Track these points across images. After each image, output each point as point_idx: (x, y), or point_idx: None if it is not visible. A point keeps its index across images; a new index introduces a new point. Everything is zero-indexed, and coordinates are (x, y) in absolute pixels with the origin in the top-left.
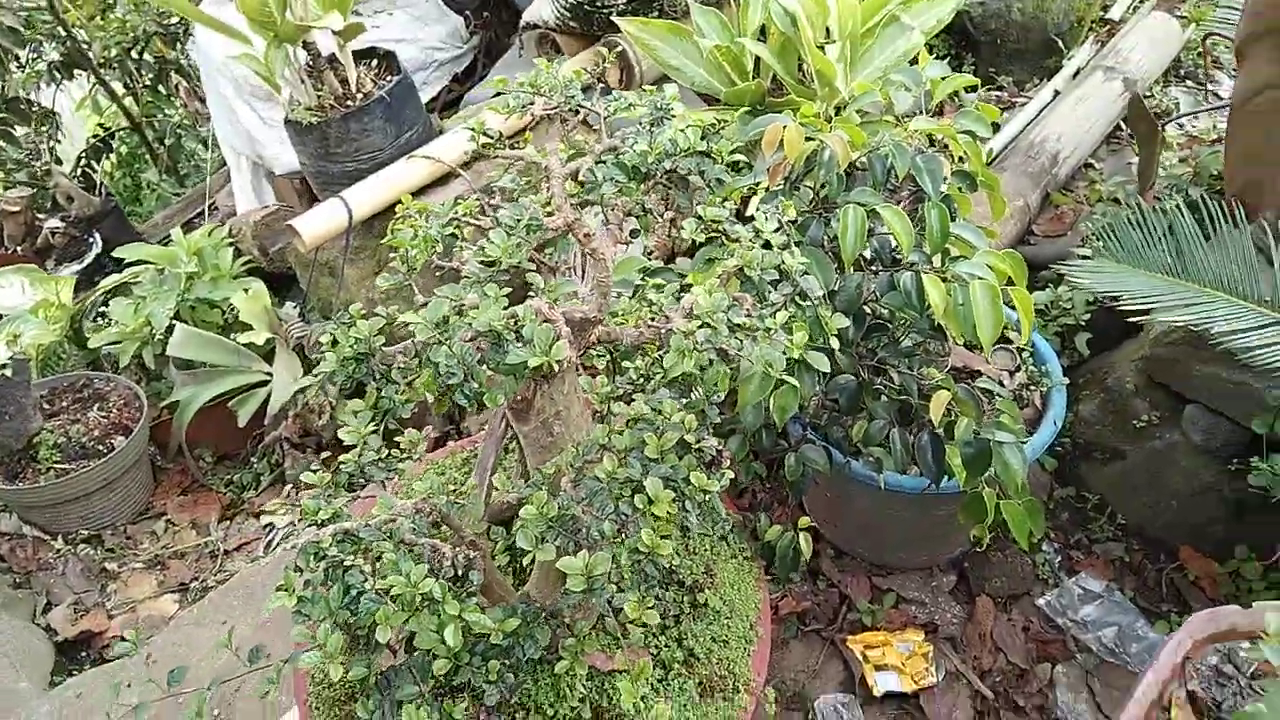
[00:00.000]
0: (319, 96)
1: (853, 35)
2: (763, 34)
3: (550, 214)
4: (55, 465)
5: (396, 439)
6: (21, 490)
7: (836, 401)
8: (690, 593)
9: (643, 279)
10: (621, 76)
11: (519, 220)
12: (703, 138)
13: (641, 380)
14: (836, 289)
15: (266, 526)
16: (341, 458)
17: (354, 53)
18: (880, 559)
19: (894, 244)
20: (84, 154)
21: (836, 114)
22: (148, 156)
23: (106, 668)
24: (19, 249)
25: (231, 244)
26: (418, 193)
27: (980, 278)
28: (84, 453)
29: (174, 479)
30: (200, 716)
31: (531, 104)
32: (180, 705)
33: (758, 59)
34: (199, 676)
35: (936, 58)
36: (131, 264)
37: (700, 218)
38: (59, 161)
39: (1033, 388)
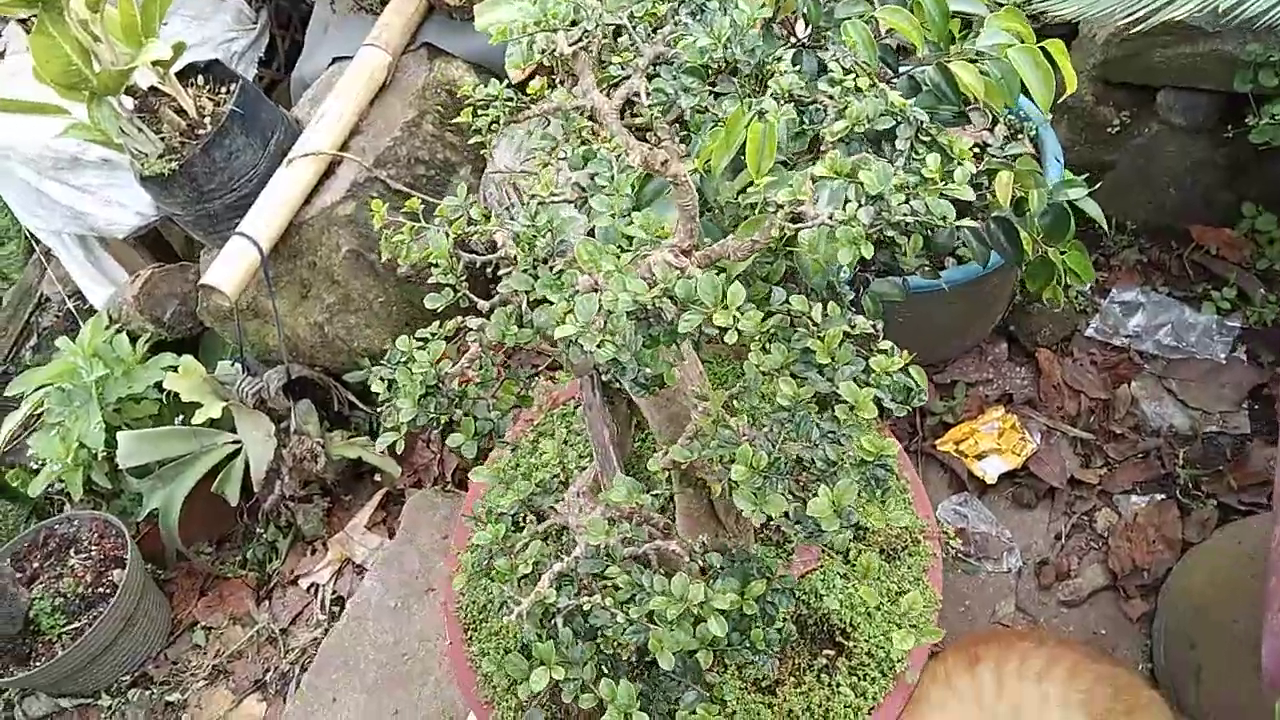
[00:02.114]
0: (163, 139)
1: None
2: None
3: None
4: (64, 630)
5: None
6: (42, 669)
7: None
8: (907, 400)
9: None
10: None
11: (612, 176)
12: None
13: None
14: None
15: (310, 588)
16: (501, 504)
17: (175, 75)
18: (933, 357)
19: (896, 45)
20: None
21: None
22: None
23: None
24: None
25: (120, 329)
26: (312, 195)
27: (1009, 44)
28: (86, 603)
29: (186, 585)
30: None
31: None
32: None
33: None
34: None
35: None
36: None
37: (776, 94)
38: None
39: (1020, 136)
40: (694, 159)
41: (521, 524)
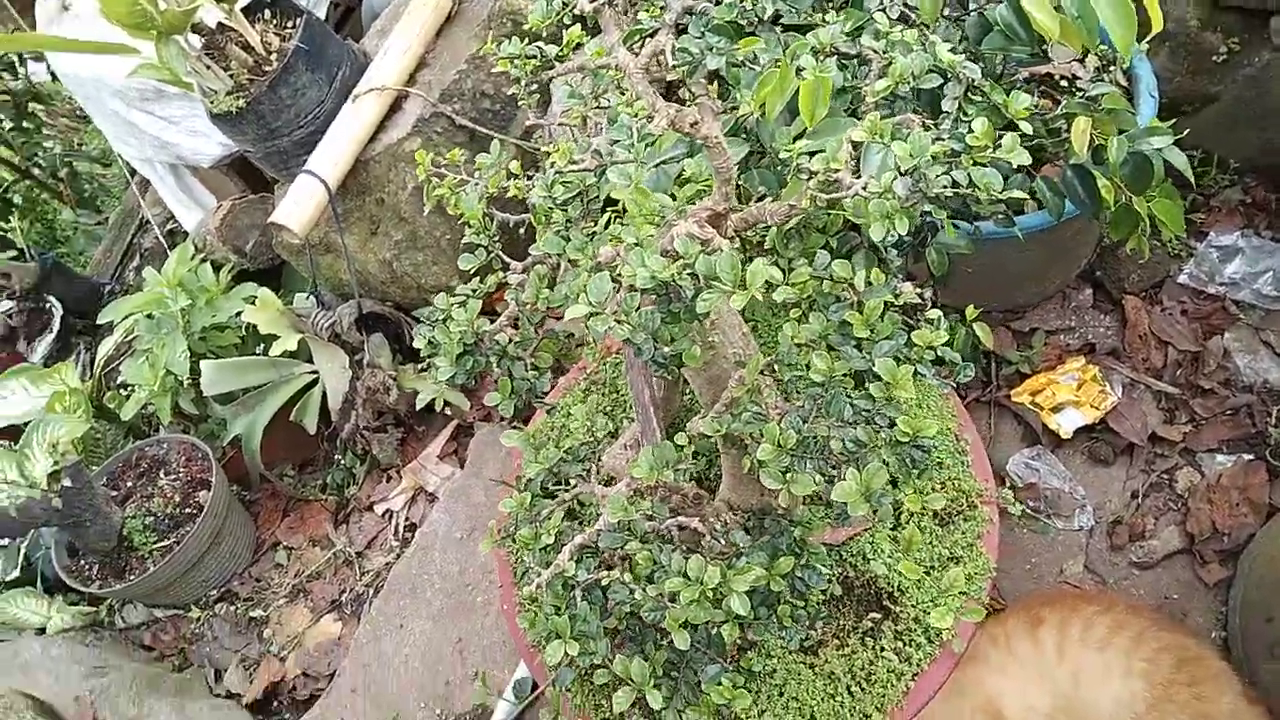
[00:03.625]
0: (232, 76)
1: None
2: None
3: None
4: (155, 547)
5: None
6: (136, 583)
7: None
8: (951, 373)
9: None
10: None
11: (634, 143)
12: None
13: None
14: None
15: (385, 515)
16: (528, 472)
17: (241, 11)
18: (1010, 303)
19: None
20: None
21: None
22: (47, 198)
23: (314, 713)
24: None
25: (205, 259)
26: (378, 132)
27: None
28: (175, 522)
29: (269, 506)
30: None
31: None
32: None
33: None
34: (403, 686)
35: None
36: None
37: (816, 49)
38: None
39: (1111, 67)
40: (749, 102)
41: (551, 490)
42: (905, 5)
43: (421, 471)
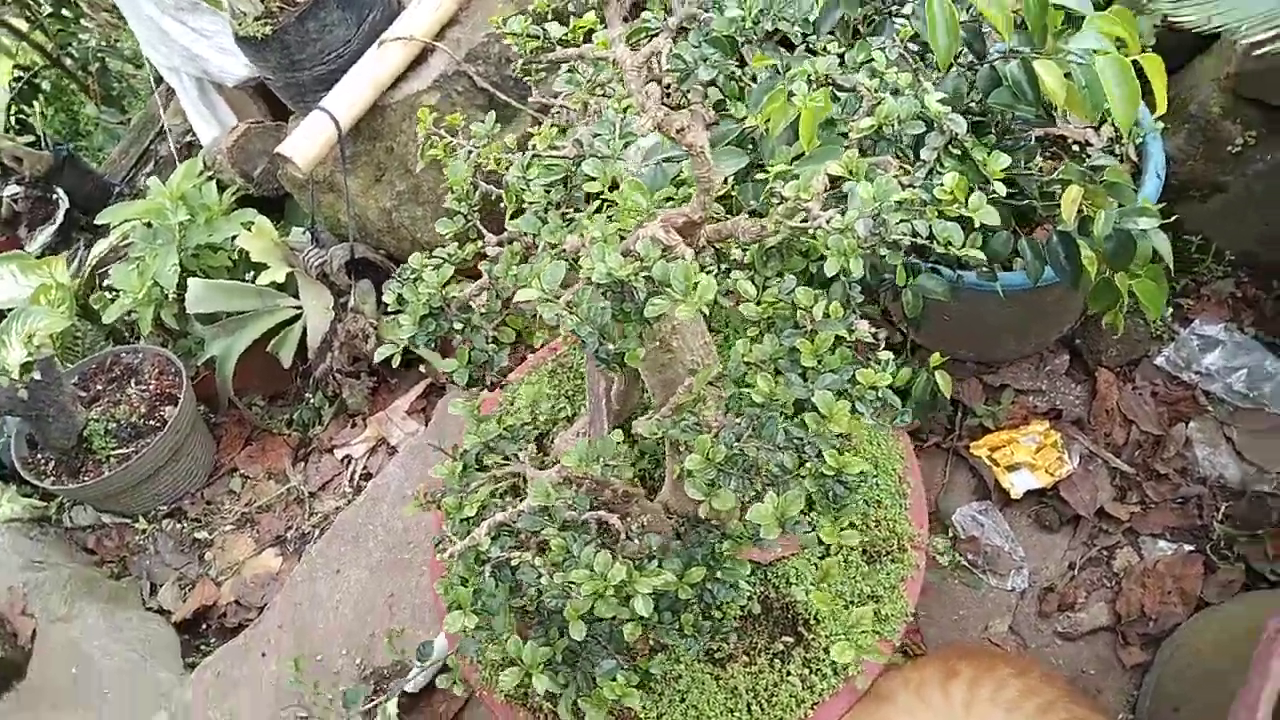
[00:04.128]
0: (263, 1)
1: None
2: None
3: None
4: (113, 453)
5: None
6: (88, 485)
7: None
8: (893, 418)
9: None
10: None
11: (610, 140)
12: None
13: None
14: None
15: (344, 460)
16: (465, 443)
17: None
18: (987, 356)
19: (983, 30)
20: (12, 101)
21: None
22: (76, 89)
23: (237, 641)
24: None
25: (212, 177)
26: (399, 80)
27: (1102, 51)
28: (137, 432)
29: (233, 432)
30: None
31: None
32: (320, 663)
33: None
34: (330, 631)
35: None
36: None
37: (809, 77)
38: None
39: (1124, 139)
40: (755, 116)
41: (487, 465)
42: (906, 50)
43: (387, 423)
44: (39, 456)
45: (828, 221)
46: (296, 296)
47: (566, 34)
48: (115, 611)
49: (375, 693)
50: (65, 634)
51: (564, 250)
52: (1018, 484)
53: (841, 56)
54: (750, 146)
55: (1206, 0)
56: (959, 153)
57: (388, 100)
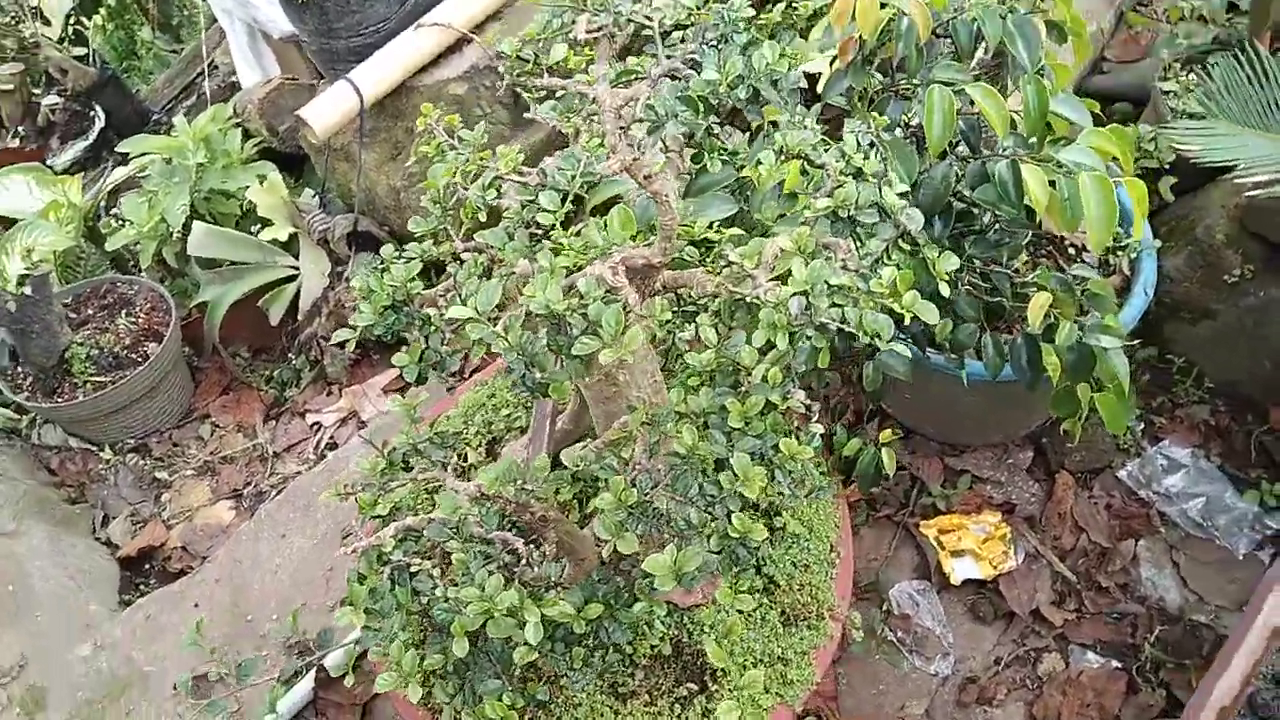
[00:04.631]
0: None
1: None
2: None
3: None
4: (91, 379)
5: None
6: (61, 406)
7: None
8: (767, 516)
9: (717, 230)
10: None
11: (572, 176)
12: (771, 35)
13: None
14: (919, 181)
15: (313, 426)
16: (394, 441)
17: None
18: (952, 438)
19: (982, 125)
20: (73, 10)
21: None
22: (137, 11)
23: (174, 588)
24: (19, 129)
25: (238, 125)
26: (430, 65)
27: (1089, 167)
28: (118, 363)
29: (213, 378)
30: None
31: (573, 23)
32: (249, 624)
33: None
34: (264, 593)
35: None
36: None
37: (780, 150)
38: (46, 22)
39: (1119, 253)
40: (751, 167)
41: (411, 466)
42: (879, 138)
43: (362, 397)
44: (18, 370)
45: (765, 293)
46: (296, 257)
47: (557, 62)
48: (62, 536)
49: (301, 665)
50: (9, 548)
51: (514, 272)
52: (959, 570)
53: (829, 133)
54: (745, 195)
55: (1211, 136)
56: (909, 248)
57: (416, 83)
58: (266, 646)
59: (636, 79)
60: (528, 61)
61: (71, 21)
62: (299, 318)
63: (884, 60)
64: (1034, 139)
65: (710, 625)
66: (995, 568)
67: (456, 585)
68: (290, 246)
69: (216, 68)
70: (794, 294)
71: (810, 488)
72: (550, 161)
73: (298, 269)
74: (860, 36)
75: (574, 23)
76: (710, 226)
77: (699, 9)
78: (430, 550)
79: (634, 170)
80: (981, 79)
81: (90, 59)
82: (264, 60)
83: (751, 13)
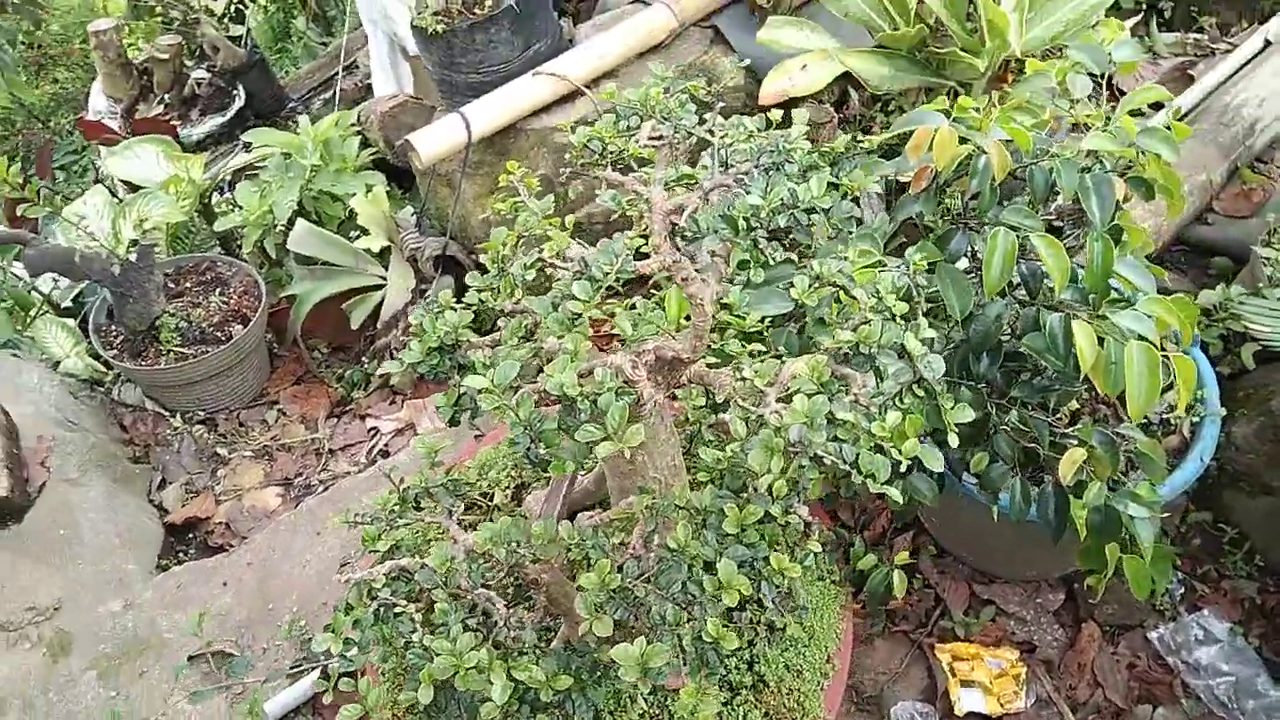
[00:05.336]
0: (447, 1)
1: None
2: None
3: (646, 250)
4: (175, 349)
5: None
6: (142, 369)
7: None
8: (794, 609)
9: (741, 345)
10: None
11: (607, 270)
12: (833, 164)
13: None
14: (973, 315)
15: (371, 431)
16: (409, 479)
17: None
18: (984, 566)
19: (1044, 272)
20: None
21: (1004, 69)
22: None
23: (207, 563)
24: (166, 96)
25: (359, 132)
26: (542, 110)
27: (1140, 336)
28: (203, 338)
29: (289, 367)
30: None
31: (638, 127)
32: (270, 611)
33: None
34: (289, 585)
35: None
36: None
37: (817, 275)
38: None
39: (1182, 414)
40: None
41: (422, 507)
42: (912, 281)
43: (422, 411)
44: (112, 328)
45: (770, 414)
46: (385, 269)
47: (620, 154)
48: (119, 493)
49: (302, 660)
50: (67, 496)
51: (542, 346)
52: (966, 701)
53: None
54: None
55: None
56: (924, 394)
57: (525, 125)
58: (280, 637)
59: (691, 186)
60: (595, 153)
61: (234, 1)
62: (378, 326)
63: (958, 191)
64: (1093, 296)
65: (690, 711)
66: (1003, 705)
67: (432, 634)
68: (382, 258)
69: (357, 68)
70: (794, 423)
71: (796, 605)
72: (591, 252)
73: (385, 280)
74: (936, 168)
75: (639, 127)
76: (762, 320)
77: (759, 131)
78: (419, 594)
79: (673, 271)
80: (1066, 221)
81: (243, 41)
82: (400, 72)
83: (807, 145)
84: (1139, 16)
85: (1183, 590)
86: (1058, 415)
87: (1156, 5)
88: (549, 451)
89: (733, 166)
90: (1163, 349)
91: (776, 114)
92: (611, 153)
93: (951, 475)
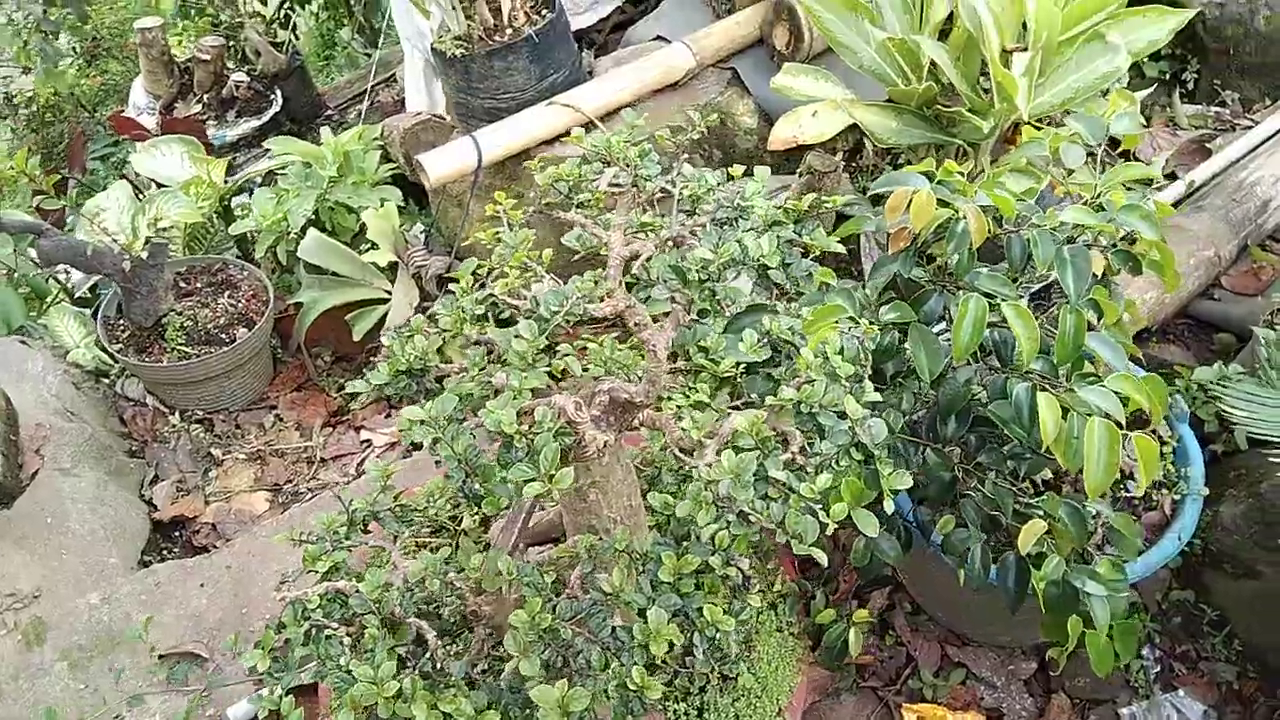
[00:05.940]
0: (468, 26)
1: (1047, 45)
2: (949, 23)
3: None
4: (179, 348)
5: None
6: (146, 365)
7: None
8: (724, 661)
9: (685, 392)
10: (790, 41)
11: (555, 311)
12: (797, 221)
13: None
14: (944, 376)
15: (364, 443)
16: (354, 503)
17: None
18: (957, 628)
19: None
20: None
21: (1014, 130)
22: (343, 8)
23: (188, 563)
24: (204, 97)
25: (381, 147)
26: (554, 139)
27: (1105, 414)
28: (207, 339)
29: (291, 373)
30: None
31: (601, 174)
32: (243, 616)
33: None
34: (265, 591)
35: (1153, 59)
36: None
37: (767, 330)
38: (264, 2)
39: (1164, 491)
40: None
41: (370, 530)
42: (861, 347)
43: None
44: (120, 322)
45: (702, 468)
46: (391, 284)
47: (586, 199)
48: (109, 485)
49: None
50: (59, 485)
51: (489, 381)
52: None
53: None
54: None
55: (1259, 405)
56: (863, 458)
57: (537, 152)
58: (247, 642)
59: (650, 233)
60: (561, 194)
61: (285, 6)
62: (380, 339)
63: (937, 254)
64: (1064, 368)
65: None
66: None
67: (358, 659)
68: (389, 272)
69: (396, 81)
70: (723, 478)
71: (727, 658)
72: (543, 289)
73: (390, 295)
74: (913, 230)
75: (601, 173)
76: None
77: (718, 186)
78: (353, 618)
79: (626, 317)
80: (1054, 289)
81: (285, 47)
82: (433, 90)
83: (762, 203)
84: (1156, 86)
85: (1159, 669)
86: (1025, 483)
87: (1180, 76)
88: (484, 487)
89: (696, 215)
90: (1148, 426)
91: (738, 169)
92: (582, 193)
93: (921, 536)
